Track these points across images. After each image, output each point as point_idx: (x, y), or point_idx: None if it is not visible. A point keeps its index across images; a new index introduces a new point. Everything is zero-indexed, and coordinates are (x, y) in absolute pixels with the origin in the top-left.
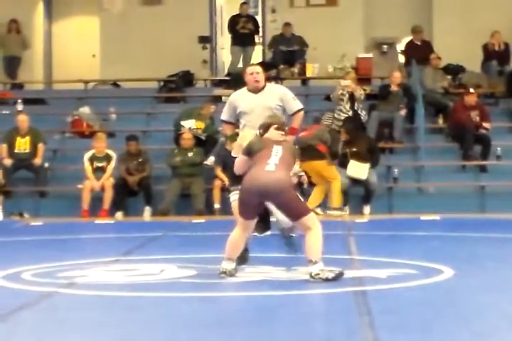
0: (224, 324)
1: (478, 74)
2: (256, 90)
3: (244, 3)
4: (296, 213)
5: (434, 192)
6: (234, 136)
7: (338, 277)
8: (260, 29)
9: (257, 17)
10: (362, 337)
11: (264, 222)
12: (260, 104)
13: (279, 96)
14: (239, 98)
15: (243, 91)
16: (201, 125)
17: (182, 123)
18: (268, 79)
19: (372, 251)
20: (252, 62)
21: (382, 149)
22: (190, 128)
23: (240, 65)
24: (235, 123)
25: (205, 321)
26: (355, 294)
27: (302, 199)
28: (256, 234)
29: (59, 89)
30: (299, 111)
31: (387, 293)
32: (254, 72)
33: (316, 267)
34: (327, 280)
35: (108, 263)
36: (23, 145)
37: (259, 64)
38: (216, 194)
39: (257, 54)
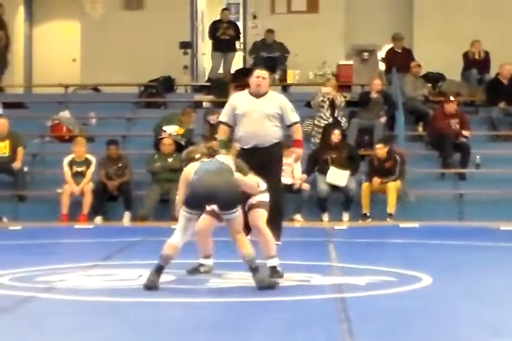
0: (202, 330)
1: (459, 82)
2: (257, 95)
3: (225, 9)
4: None
5: (413, 199)
6: (225, 142)
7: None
8: (241, 35)
9: (238, 23)
10: None
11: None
12: (258, 109)
13: (279, 105)
14: (239, 100)
15: (244, 93)
16: (181, 131)
17: (164, 128)
18: (244, 86)
19: (351, 258)
20: (232, 68)
21: (362, 156)
22: (170, 133)
23: (221, 70)
24: (232, 126)
25: (183, 327)
26: (334, 301)
27: None
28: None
29: (39, 93)
30: (297, 123)
31: (366, 300)
32: (261, 76)
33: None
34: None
35: (87, 268)
36: (2, 149)
37: (241, 70)
38: None
39: (238, 60)
